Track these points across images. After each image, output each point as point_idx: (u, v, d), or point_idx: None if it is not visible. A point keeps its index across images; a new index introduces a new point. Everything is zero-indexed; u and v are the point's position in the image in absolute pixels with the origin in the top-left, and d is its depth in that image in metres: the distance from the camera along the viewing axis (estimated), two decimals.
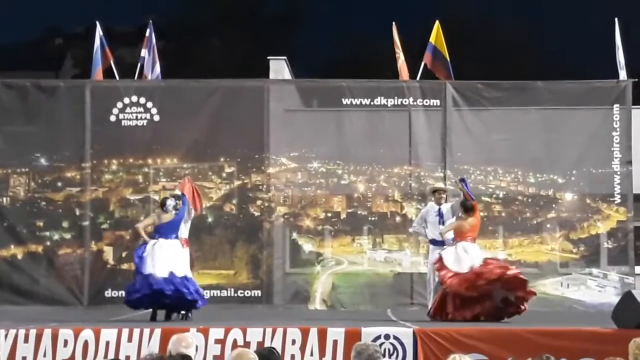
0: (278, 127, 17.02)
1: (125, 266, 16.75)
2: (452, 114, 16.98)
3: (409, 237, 16.65)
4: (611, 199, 16.88)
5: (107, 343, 11.02)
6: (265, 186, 17.02)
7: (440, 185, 14.81)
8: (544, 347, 9.70)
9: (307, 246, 17.02)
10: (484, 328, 11.71)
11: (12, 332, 11.11)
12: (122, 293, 16.32)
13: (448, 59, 17.05)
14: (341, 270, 16.96)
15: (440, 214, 13.69)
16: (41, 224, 16.96)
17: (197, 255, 16.22)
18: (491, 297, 12.81)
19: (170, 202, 13.57)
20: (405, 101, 17.02)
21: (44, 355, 11.02)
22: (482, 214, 16.65)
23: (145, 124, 16.98)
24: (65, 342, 11.06)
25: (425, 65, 17.19)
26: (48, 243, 16.89)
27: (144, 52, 17.68)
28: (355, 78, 17.99)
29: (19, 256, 16.79)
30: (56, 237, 16.94)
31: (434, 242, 13.68)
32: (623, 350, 7.97)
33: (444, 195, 13.93)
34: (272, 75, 19.00)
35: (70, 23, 41.82)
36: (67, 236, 16.94)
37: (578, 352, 10.75)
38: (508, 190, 17.09)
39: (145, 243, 13.30)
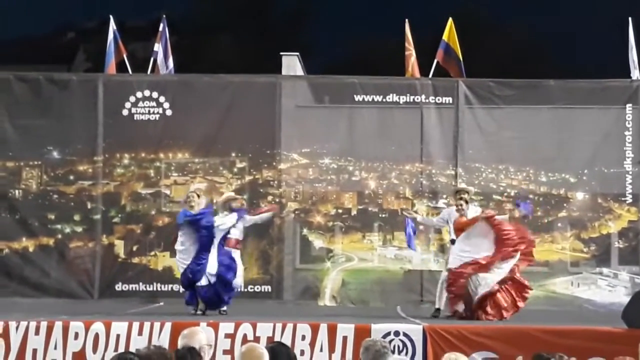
0: (290, 123, 17.00)
1: (136, 260, 16.80)
2: (464, 112, 16.94)
3: (419, 235, 16.60)
4: (623, 199, 16.83)
5: (118, 336, 11.06)
6: (276, 182, 17.02)
7: (463, 186, 14.60)
8: (553, 346, 9.68)
9: (318, 242, 17.01)
10: (494, 326, 11.73)
11: (23, 324, 11.17)
12: (133, 287, 16.50)
13: (460, 57, 17.03)
14: (351, 266, 16.95)
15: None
16: (53, 216, 16.99)
17: None
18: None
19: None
20: (417, 98, 16.97)
21: (55, 348, 11.07)
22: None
23: (157, 119, 16.99)
24: (76, 335, 11.11)
25: (437, 62, 17.18)
26: (59, 236, 16.92)
27: (157, 47, 17.66)
28: (367, 75, 17.95)
29: (31, 249, 16.82)
30: (68, 230, 16.98)
31: (454, 242, 13.55)
32: (633, 350, 8.00)
33: (466, 196, 13.64)
34: (284, 71, 18.99)
35: (82, 17, 41.89)
36: (79, 229, 16.97)
37: (588, 351, 10.74)
38: (519, 188, 17.04)
39: None
